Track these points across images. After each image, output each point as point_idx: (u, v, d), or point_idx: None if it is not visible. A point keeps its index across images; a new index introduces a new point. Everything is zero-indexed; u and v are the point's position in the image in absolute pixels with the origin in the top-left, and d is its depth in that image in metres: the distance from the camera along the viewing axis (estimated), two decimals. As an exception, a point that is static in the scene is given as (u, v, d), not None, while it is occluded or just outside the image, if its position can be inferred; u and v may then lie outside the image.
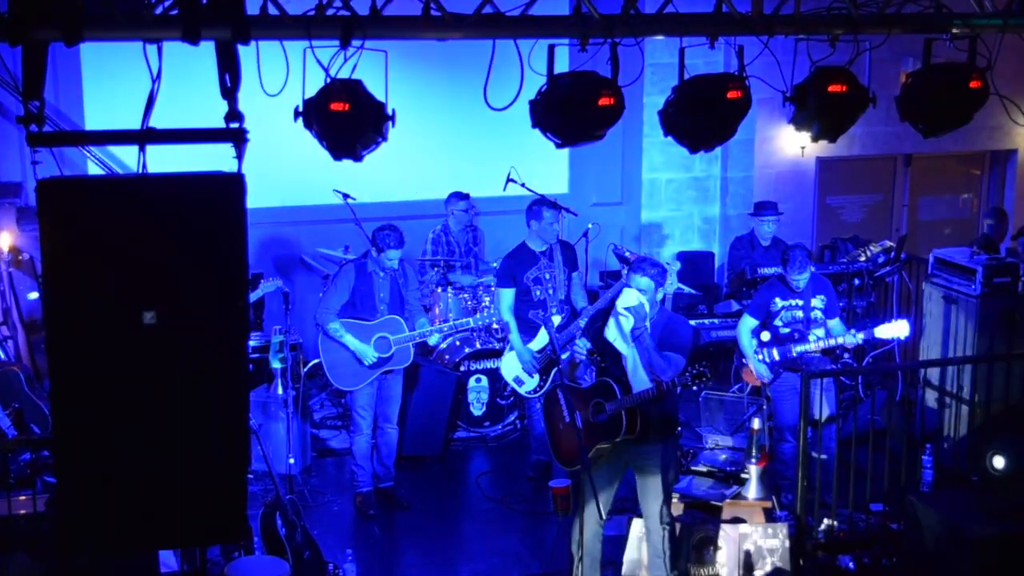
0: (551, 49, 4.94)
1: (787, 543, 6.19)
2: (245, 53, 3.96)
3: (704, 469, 6.67)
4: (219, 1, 3.98)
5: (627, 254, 8.18)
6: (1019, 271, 7.45)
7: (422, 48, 7.80)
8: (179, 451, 3.55)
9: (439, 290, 8.65)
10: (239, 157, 3.66)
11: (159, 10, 4.25)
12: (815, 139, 5.57)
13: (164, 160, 3.70)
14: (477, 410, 8.55)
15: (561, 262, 7.43)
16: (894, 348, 8.61)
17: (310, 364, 8.64)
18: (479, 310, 8.54)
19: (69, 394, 3.46)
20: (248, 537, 6.09)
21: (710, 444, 7.00)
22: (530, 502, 7.47)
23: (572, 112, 5.01)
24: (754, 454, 6.45)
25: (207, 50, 3.97)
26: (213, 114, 3.80)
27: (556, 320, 7.28)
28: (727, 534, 6.20)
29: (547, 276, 7.39)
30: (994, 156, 11.23)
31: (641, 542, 6.09)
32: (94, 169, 8.48)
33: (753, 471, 6.45)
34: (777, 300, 6.99)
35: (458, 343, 8.57)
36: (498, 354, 8.37)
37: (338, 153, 4.86)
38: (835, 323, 7.00)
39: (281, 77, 4.52)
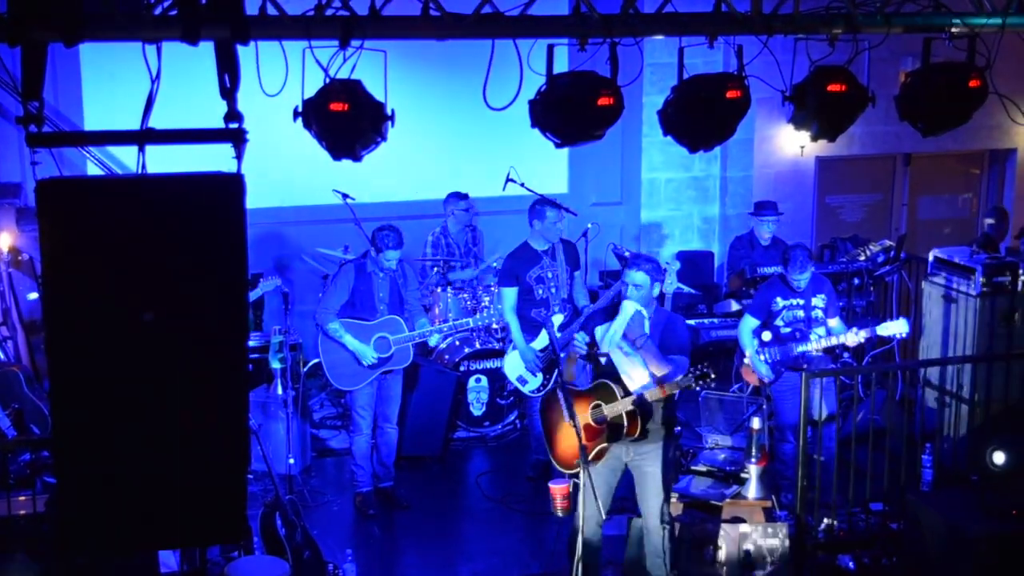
0: (550, 49, 4.94)
1: (787, 543, 6.19)
2: (244, 53, 3.96)
3: (704, 469, 6.67)
4: (218, 1, 3.98)
5: (626, 254, 8.18)
6: (1018, 270, 7.45)
7: (421, 48, 7.79)
8: (179, 451, 3.55)
9: (439, 290, 8.66)
10: (238, 157, 3.66)
11: (158, 10, 4.25)
12: (814, 138, 5.58)
13: (164, 160, 3.70)
14: (477, 410, 8.56)
15: (563, 261, 7.44)
16: (894, 347, 8.61)
17: (309, 364, 8.65)
18: (479, 310, 8.54)
19: (69, 394, 3.46)
20: (248, 537, 6.09)
21: (710, 444, 7.00)
22: (530, 502, 7.46)
23: (571, 112, 5.01)
24: (754, 454, 6.46)
25: (206, 50, 3.97)
26: (213, 114, 3.80)
27: (559, 319, 7.29)
28: (727, 534, 6.20)
29: (550, 275, 7.40)
30: (993, 155, 11.23)
31: (641, 542, 6.09)
32: (94, 169, 8.48)
33: (753, 471, 6.46)
34: (778, 300, 7.00)
35: (458, 343, 8.57)
36: (498, 354, 8.38)
37: (337, 153, 4.86)
38: (835, 322, 7.01)
39: (280, 77, 4.52)
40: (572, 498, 6.11)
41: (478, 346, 8.52)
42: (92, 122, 8.63)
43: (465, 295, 8.69)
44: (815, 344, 6.87)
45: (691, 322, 8.47)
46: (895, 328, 6.82)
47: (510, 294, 7.36)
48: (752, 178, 10.29)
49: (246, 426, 3.69)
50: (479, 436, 8.58)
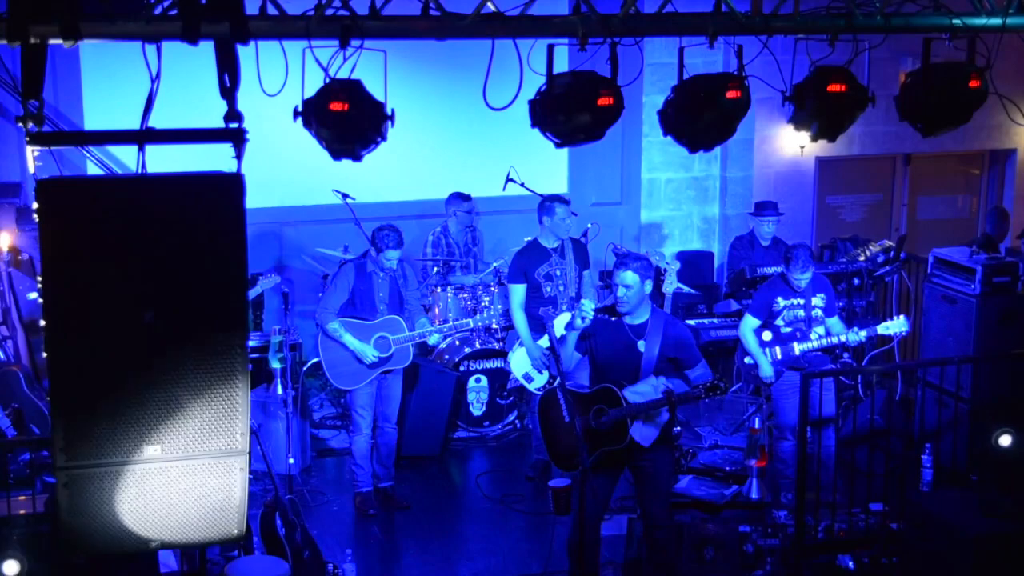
0: (550, 49, 4.94)
1: (787, 543, 6.19)
2: (244, 53, 3.96)
3: (704, 469, 6.67)
4: (218, 1, 3.98)
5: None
6: (1018, 270, 7.45)
7: (421, 48, 7.79)
8: (179, 451, 3.55)
9: (439, 290, 8.66)
10: (238, 157, 3.66)
11: (158, 10, 4.25)
12: (814, 139, 5.58)
13: (164, 160, 3.70)
14: (477, 410, 8.55)
15: (573, 259, 7.44)
16: (894, 347, 8.61)
17: (309, 363, 8.65)
18: (479, 310, 8.54)
19: (69, 394, 3.46)
20: (248, 537, 6.08)
21: (710, 444, 7.01)
22: (530, 502, 7.46)
23: (571, 112, 5.01)
24: (754, 454, 6.46)
25: (206, 50, 3.97)
26: (213, 114, 3.80)
27: (565, 317, 7.27)
28: (727, 534, 6.19)
29: (558, 273, 7.39)
30: (993, 156, 11.22)
31: (641, 542, 6.09)
32: (94, 169, 8.47)
33: (753, 471, 6.45)
34: (779, 299, 7.00)
35: (458, 343, 8.57)
36: (498, 354, 8.38)
37: (337, 153, 4.86)
38: (834, 321, 7.01)
39: (280, 77, 4.53)
40: (571, 498, 6.12)
41: (478, 346, 8.52)
42: (92, 122, 8.62)
43: (465, 295, 8.69)
44: (815, 343, 6.87)
45: (691, 322, 8.46)
46: (895, 327, 6.83)
47: (518, 291, 7.35)
48: (752, 178, 10.27)
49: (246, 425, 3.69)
50: (479, 436, 8.58)
